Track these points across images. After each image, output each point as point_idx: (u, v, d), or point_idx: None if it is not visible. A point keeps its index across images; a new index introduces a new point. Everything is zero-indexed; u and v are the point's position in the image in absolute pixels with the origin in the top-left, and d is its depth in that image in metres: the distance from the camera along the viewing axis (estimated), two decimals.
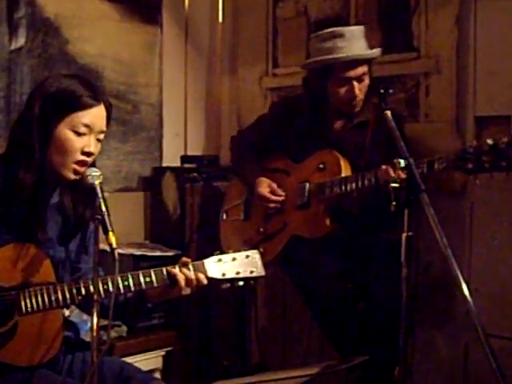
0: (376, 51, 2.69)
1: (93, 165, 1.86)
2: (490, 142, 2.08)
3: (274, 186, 2.82)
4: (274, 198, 2.80)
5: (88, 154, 1.83)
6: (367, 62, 2.66)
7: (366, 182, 2.49)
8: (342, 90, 2.64)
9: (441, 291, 2.89)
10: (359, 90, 2.64)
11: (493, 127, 2.80)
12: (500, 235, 2.76)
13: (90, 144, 1.83)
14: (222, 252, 1.93)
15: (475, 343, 2.74)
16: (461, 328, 2.85)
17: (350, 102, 2.67)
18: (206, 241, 3.34)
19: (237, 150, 3.07)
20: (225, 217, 3.09)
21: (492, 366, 1.55)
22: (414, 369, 2.93)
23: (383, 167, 2.40)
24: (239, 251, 1.93)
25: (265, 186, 2.82)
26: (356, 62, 2.61)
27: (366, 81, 2.66)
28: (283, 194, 2.81)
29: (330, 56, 2.61)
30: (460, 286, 1.63)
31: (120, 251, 1.67)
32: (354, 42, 2.63)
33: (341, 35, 2.62)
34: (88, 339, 1.92)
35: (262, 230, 2.89)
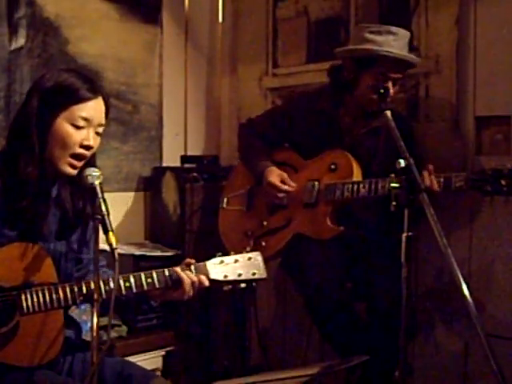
0: (419, 59, 2.67)
1: (94, 164, 1.87)
2: (509, 166, 2.09)
3: (285, 176, 2.78)
4: (284, 187, 2.75)
5: (87, 148, 1.84)
6: (409, 67, 2.63)
7: (379, 188, 2.46)
8: (376, 88, 2.55)
9: (441, 291, 2.89)
10: (392, 91, 2.60)
11: (493, 127, 2.80)
12: (500, 235, 2.76)
13: (89, 137, 1.84)
14: (224, 253, 1.92)
15: (475, 343, 2.74)
16: (461, 328, 2.85)
17: (378, 102, 2.61)
18: (205, 240, 3.34)
19: (246, 137, 3.00)
20: (225, 205, 3.03)
21: (492, 366, 1.55)
22: (414, 369, 2.93)
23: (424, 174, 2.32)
24: (241, 253, 1.92)
25: (276, 176, 2.77)
26: (402, 64, 2.59)
27: (397, 86, 2.63)
28: (295, 185, 2.76)
29: (386, 48, 2.55)
30: (460, 286, 1.63)
31: (120, 251, 1.67)
32: (404, 44, 2.60)
33: (395, 33, 2.58)
34: (88, 339, 1.92)
35: (265, 223, 2.84)
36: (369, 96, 2.61)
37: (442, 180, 2.27)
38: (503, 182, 2.09)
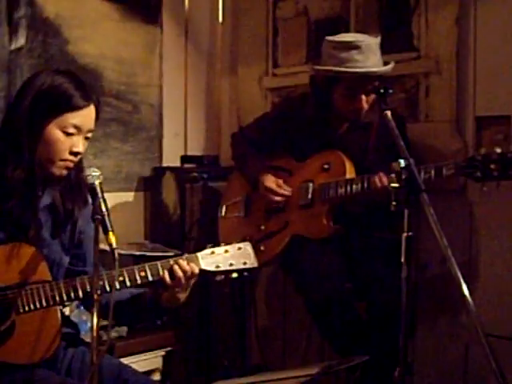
0: (389, 67, 2.63)
1: (81, 165, 1.88)
2: (498, 150, 2.09)
3: (281, 182, 2.82)
4: (281, 191, 2.79)
5: (75, 154, 1.85)
6: (379, 77, 2.61)
7: (371, 184, 2.48)
8: (348, 102, 2.62)
9: (441, 291, 2.89)
10: (366, 102, 2.61)
11: (493, 127, 2.80)
12: (500, 235, 2.76)
13: (79, 144, 1.85)
14: (215, 245, 1.95)
15: (475, 343, 2.74)
16: (461, 328, 2.85)
17: (355, 113, 2.66)
18: (204, 239, 3.34)
19: (239, 146, 3.06)
20: (224, 213, 3.07)
21: (492, 366, 1.55)
22: (414, 369, 2.93)
23: (376, 178, 2.42)
24: (231, 244, 1.95)
25: (271, 181, 2.82)
26: (368, 77, 2.57)
27: (373, 95, 2.60)
28: (290, 189, 2.80)
29: (343, 69, 2.56)
30: (460, 286, 1.63)
31: (120, 251, 1.67)
32: (370, 55, 2.56)
33: (358, 47, 2.55)
34: (88, 339, 1.93)
35: (263, 227, 2.87)
36: (345, 108, 2.66)
37: (432, 170, 2.28)
38: (493, 167, 2.09)
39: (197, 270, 1.89)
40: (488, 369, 1.56)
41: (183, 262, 1.88)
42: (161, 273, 1.87)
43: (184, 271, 1.86)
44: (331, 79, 2.64)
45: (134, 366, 2.06)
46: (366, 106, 2.62)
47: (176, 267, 1.87)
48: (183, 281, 1.86)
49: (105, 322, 1.75)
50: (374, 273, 2.61)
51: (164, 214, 3.54)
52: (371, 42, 2.60)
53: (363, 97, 2.60)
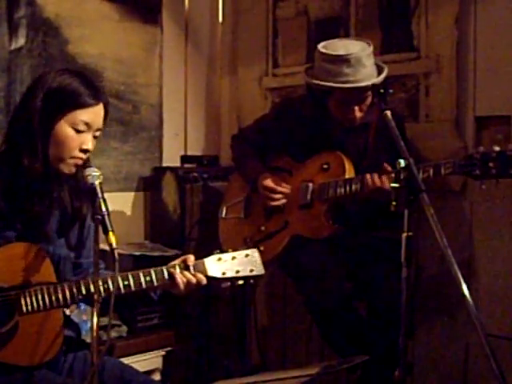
0: (379, 79, 2.58)
1: (89, 164, 1.88)
2: (496, 148, 2.08)
3: (279, 180, 2.82)
4: (280, 189, 2.79)
5: (85, 151, 1.87)
6: (372, 86, 2.56)
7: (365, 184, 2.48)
8: (342, 111, 2.62)
9: (441, 291, 2.89)
10: (360, 110, 2.61)
11: (493, 127, 2.80)
12: (500, 235, 2.76)
13: (88, 142, 1.87)
14: (222, 251, 1.94)
15: (475, 343, 2.74)
16: (461, 328, 2.85)
17: (349, 121, 2.65)
18: (205, 239, 3.35)
19: (238, 147, 3.07)
20: (224, 214, 3.08)
21: (492, 366, 1.55)
22: (414, 369, 2.93)
23: (367, 176, 2.42)
24: (238, 250, 1.94)
25: (270, 180, 2.82)
26: (359, 89, 2.56)
27: (368, 99, 2.61)
28: (289, 186, 2.80)
29: (332, 84, 2.55)
30: (460, 286, 1.63)
31: (120, 251, 1.67)
32: (359, 68, 2.53)
33: (347, 60, 2.52)
34: (88, 339, 1.93)
35: (263, 228, 2.88)
36: (339, 116, 2.66)
37: (431, 169, 2.28)
38: (491, 165, 2.09)
39: (204, 281, 1.88)
40: (488, 369, 1.56)
41: (188, 273, 1.87)
42: (166, 278, 1.86)
43: (189, 279, 1.86)
44: (324, 90, 2.63)
45: (133, 365, 2.05)
46: (358, 114, 2.62)
47: (180, 275, 1.86)
48: (188, 288, 1.86)
49: (105, 321, 1.75)
50: (373, 273, 2.61)
51: (164, 214, 3.54)
52: (361, 54, 2.55)
53: (356, 107, 2.60)
